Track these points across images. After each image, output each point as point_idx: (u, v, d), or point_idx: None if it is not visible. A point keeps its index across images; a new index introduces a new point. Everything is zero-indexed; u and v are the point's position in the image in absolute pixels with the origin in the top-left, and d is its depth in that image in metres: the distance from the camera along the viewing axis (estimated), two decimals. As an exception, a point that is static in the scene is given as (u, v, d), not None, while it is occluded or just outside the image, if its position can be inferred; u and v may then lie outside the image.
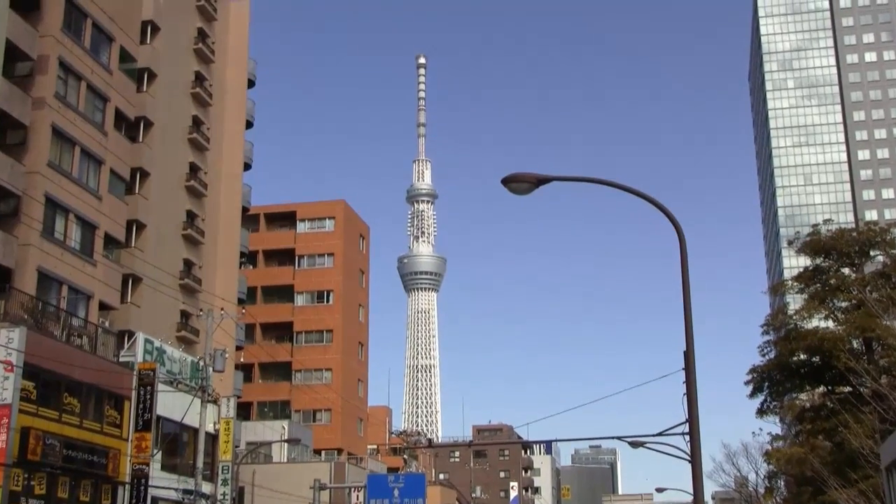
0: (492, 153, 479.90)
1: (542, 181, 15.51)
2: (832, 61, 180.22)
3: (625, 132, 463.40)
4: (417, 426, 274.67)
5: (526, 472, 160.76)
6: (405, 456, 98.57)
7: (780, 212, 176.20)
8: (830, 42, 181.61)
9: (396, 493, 52.76)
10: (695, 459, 15.37)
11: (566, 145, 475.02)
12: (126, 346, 45.11)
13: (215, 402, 48.47)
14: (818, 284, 45.41)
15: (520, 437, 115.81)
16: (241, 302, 67.56)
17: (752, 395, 47.01)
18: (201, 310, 51.82)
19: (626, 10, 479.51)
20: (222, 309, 49.01)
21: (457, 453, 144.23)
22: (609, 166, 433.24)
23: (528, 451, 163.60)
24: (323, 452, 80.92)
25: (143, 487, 40.21)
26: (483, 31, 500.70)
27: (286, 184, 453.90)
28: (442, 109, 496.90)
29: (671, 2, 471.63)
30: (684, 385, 15.76)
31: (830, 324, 44.24)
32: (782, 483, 59.93)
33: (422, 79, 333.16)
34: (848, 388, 41.93)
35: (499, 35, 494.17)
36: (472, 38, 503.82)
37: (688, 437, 15.78)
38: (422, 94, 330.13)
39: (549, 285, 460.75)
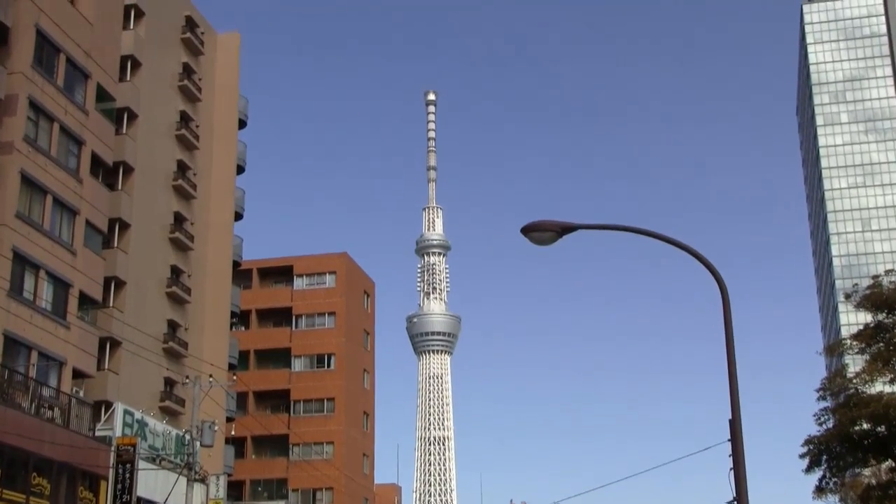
0: (511, 198, 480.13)
1: (566, 230, 15.58)
2: (891, 91, 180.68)
3: (657, 174, 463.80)
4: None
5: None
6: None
7: (836, 262, 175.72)
8: (888, 70, 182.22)
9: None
10: (745, 544, 15.22)
11: (594, 189, 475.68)
12: (103, 418, 45.03)
13: (203, 480, 48.27)
14: (881, 343, 44.89)
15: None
16: (231, 368, 67.50)
17: (809, 469, 46.20)
18: (187, 377, 51.75)
19: (653, 39, 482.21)
20: (211, 376, 48.95)
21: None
22: (641, 213, 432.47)
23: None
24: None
25: (121, 579, 39.94)
26: (499, 63, 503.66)
27: (282, 235, 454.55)
28: (454, 150, 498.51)
29: (705, 26, 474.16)
30: (731, 458, 15.62)
31: (897, 388, 43.81)
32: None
33: (431, 117, 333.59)
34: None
35: (517, 66, 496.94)
36: (486, 70, 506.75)
37: (736, 519, 15.58)
38: (431, 135, 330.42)
39: (577, 345, 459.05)
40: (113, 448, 42.01)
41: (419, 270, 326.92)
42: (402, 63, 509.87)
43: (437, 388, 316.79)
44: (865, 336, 45.53)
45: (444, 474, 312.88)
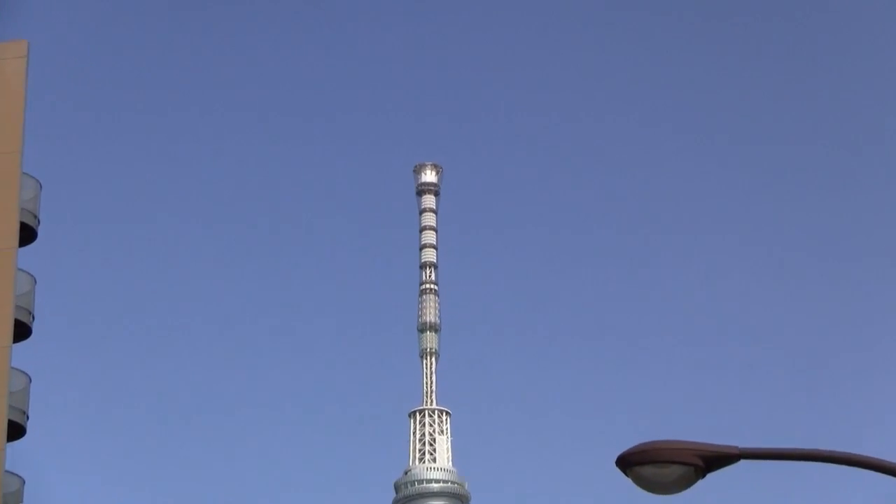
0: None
1: (715, 461, 14.88)
2: None
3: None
4: None
5: None
6: None
7: None
8: None
9: None
10: None
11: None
12: None
13: None
14: None
15: None
16: None
17: None
18: None
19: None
20: None
21: None
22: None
23: None
24: None
25: None
26: (519, 160, 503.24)
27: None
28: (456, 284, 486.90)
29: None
30: None
31: None
32: None
33: (429, 218, 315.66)
34: None
35: (547, 170, 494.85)
36: (500, 159, 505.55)
37: None
38: (430, 257, 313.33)
39: None
40: None
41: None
42: (390, 128, 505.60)
43: None
44: None
45: None
